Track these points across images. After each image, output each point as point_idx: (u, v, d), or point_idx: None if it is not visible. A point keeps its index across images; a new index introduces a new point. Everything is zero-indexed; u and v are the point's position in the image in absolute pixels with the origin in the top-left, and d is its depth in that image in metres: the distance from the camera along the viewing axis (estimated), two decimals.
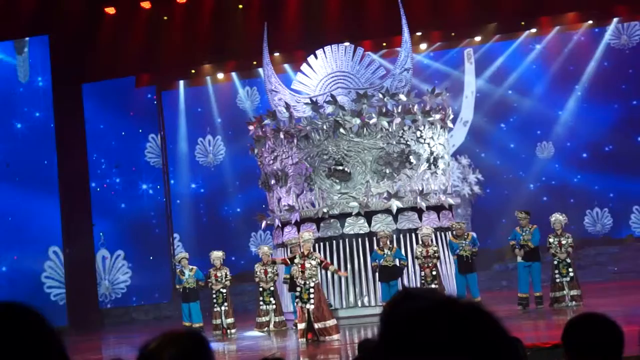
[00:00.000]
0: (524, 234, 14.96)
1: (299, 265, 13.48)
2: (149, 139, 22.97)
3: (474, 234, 15.63)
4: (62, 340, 1.56)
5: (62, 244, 20.93)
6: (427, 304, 1.37)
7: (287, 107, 16.25)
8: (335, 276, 15.53)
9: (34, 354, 1.47)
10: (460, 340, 1.31)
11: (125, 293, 22.26)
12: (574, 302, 14.47)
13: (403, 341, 1.34)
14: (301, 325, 13.31)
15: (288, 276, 14.81)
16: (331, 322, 13.36)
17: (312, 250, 13.85)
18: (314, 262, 13.47)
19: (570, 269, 14.67)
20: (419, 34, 20.91)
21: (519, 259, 15.06)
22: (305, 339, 13.16)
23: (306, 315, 13.24)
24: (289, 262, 14.18)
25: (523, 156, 21.94)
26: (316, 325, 13.16)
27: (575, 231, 18.24)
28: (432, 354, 1.30)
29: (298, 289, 13.53)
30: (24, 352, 1.47)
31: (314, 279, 13.39)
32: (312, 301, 13.24)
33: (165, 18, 21.80)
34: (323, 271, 15.55)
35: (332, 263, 15.52)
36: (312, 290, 13.32)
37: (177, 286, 16.05)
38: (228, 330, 15.45)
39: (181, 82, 23.79)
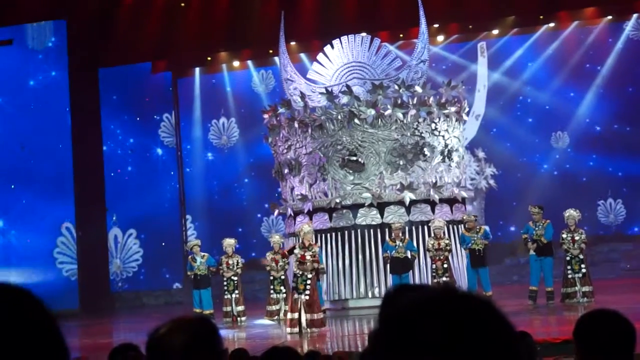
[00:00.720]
0: (536, 228, 14.92)
1: (299, 256, 13.48)
2: (163, 118, 23.15)
3: (487, 228, 15.60)
4: (58, 325, 1.44)
5: (74, 220, 21.08)
6: (424, 296, 1.32)
7: (302, 96, 16.23)
8: (347, 266, 15.55)
9: (26, 339, 1.36)
10: (458, 334, 1.26)
11: (136, 272, 22.38)
12: (585, 299, 14.41)
13: (399, 336, 1.29)
14: (293, 315, 13.26)
15: None
16: (321, 315, 13.37)
17: (312, 242, 13.84)
18: (313, 252, 13.45)
19: (583, 265, 14.61)
20: (436, 25, 20.81)
21: (531, 252, 15.03)
22: (296, 329, 13.13)
23: (299, 305, 13.23)
24: (287, 255, 14.23)
25: (537, 141, 21.84)
26: (307, 317, 13.14)
27: (588, 219, 18.24)
28: (429, 350, 1.26)
29: (294, 279, 13.55)
30: (15, 336, 1.35)
31: (311, 271, 13.36)
32: (307, 292, 13.23)
33: (183, 5, 21.81)
34: (333, 262, 15.59)
35: (343, 253, 15.57)
36: (308, 281, 13.31)
37: (189, 273, 16.10)
38: (238, 318, 15.49)
39: (197, 69, 23.82)
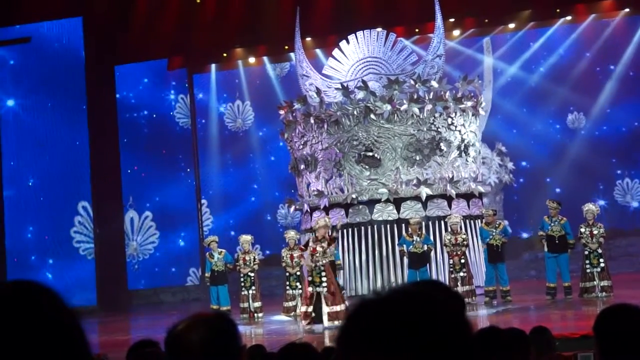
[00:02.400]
0: (552, 224, 14.83)
1: (310, 249, 13.42)
2: (179, 99, 23.21)
3: (507, 223, 15.52)
4: (80, 322, 1.41)
5: (91, 199, 21.21)
6: (376, 298, 1.33)
7: (318, 92, 16.23)
8: (363, 262, 15.53)
9: (48, 336, 1.34)
10: (399, 336, 1.26)
11: (152, 254, 22.44)
12: (604, 293, 14.32)
13: (351, 336, 1.31)
14: (307, 308, 13.15)
15: None
16: (342, 307, 13.29)
17: (327, 235, 13.77)
18: (325, 245, 13.37)
19: (602, 260, 14.52)
20: (451, 20, 20.74)
21: (546, 248, 14.97)
22: (307, 321, 13.05)
23: (314, 298, 13.15)
24: (303, 249, 14.19)
25: (554, 131, 21.71)
26: (328, 309, 13.08)
27: (608, 198, 18.09)
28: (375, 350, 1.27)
29: (307, 269, 13.47)
30: (38, 334, 1.34)
31: (323, 261, 13.26)
32: (324, 284, 13.16)
33: (198, 1, 21.84)
34: (349, 257, 15.57)
35: (360, 249, 15.55)
36: (323, 274, 13.23)
37: (206, 275, 16.09)
38: (255, 314, 15.51)
39: (213, 66, 23.87)
